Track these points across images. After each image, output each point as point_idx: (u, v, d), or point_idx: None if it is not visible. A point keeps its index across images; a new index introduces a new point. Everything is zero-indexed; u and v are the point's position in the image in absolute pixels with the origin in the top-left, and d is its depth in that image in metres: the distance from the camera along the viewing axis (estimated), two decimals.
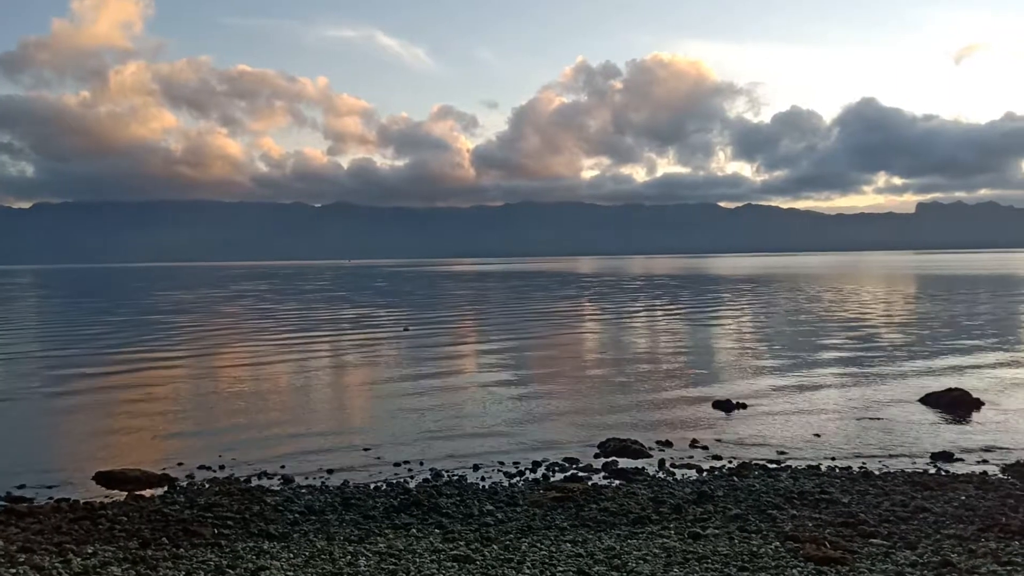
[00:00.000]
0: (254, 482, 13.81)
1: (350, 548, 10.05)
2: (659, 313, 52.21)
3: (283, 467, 14.76)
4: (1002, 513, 11.12)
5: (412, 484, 13.44)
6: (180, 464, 15.09)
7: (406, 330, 41.53)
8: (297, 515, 11.64)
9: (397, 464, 14.93)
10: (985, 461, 14.61)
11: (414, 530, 10.87)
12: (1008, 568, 8.90)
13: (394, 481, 13.67)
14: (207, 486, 13.48)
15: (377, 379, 25.76)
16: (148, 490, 13.40)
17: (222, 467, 14.89)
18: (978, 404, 19.36)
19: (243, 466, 14.91)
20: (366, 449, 16.08)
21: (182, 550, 10.06)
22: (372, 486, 13.36)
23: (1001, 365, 26.05)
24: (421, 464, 14.90)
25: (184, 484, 13.73)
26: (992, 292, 68.82)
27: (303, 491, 13.07)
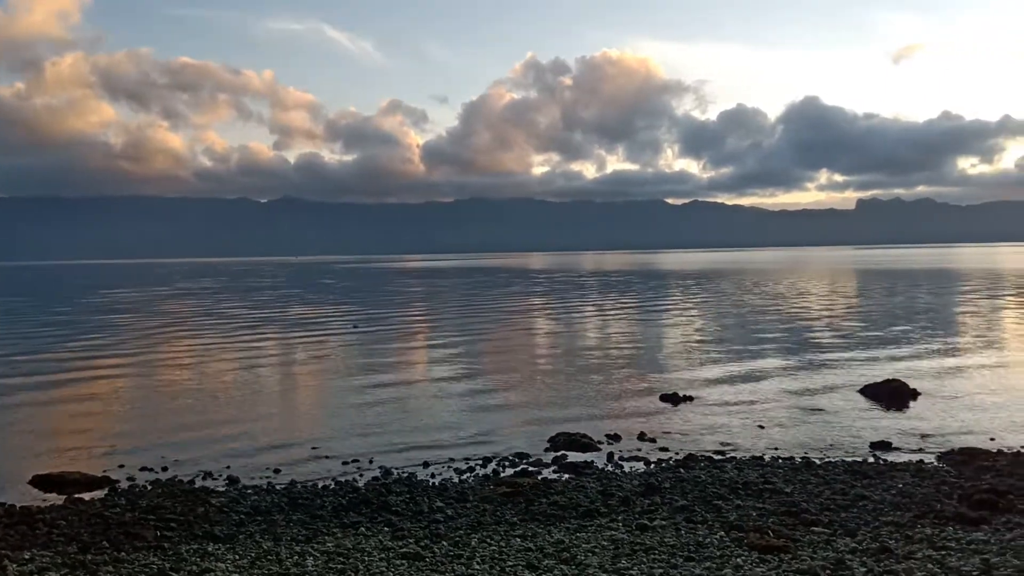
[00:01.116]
0: (198, 483, 13.54)
1: (297, 548, 9.93)
2: (609, 308, 52.69)
3: (228, 467, 14.50)
4: (937, 500, 11.50)
5: (361, 482, 13.33)
6: (121, 466, 14.72)
7: (355, 327, 41.16)
8: (243, 516, 11.45)
9: (346, 463, 14.79)
10: (921, 449, 15.10)
11: (363, 528, 10.79)
12: (942, 553, 9.21)
13: (343, 480, 13.54)
14: (149, 488, 13.18)
15: (326, 377, 25.49)
16: (88, 493, 13.03)
17: (165, 468, 14.57)
18: (915, 394, 20.01)
19: (187, 467, 14.61)
20: (314, 448, 15.90)
21: (123, 554, 9.83)
22: (320, 485, 13.21)
23: (936, 356, 26.93)
24: (371, 462, 14.79)
25: (125, 486, 13.39)
26: (928, 286, 71.15)
27: (249, 491, 12.86)
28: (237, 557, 9.64)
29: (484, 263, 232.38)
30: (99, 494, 12.94)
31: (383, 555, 9.57)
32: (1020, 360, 25.92)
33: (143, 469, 14.53)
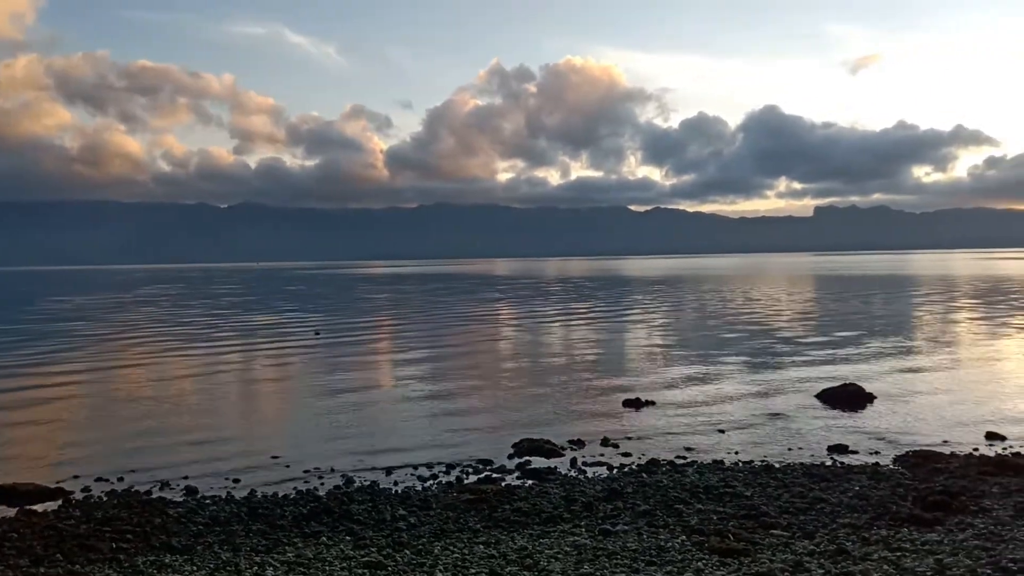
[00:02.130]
0: (155, 493, 13.30)
1: (257, 559, 9.80)
2: (573, 314, 52.89)
3: (186, 477, 14.27)
4: (893, 502, 11.73)
5: (322, 491, 13.19)
6: (76, 477, 14.40)
7: (317, 334, 40.77)
8: (201, 527, 11.27)
9: (307, 471, 14.64)
10: (878, 452, 15.40)
11: (324, 538, 10.69)
12: (897, 554, 9.40)
13: (304, 489, 13.38)
14: (105, 499, 12.91)
15: (286, 386, 25.21)
16: (41, 504, 12.71)
17: (121, 479, 14.28)
18: (871, 398, 20.40)
19: (144, 477, 14.35)
20: (274, 457, 15.70)
21: (78, 566, 9.61)
22: (281, 495, 13.04)
23: (892, 361, 27.49)
24: (332, 471, 14.65)
25: (80, 497, 13.11)
26: (883, 292, 72.63)
27: (207, 501, 12.67)
28: (195, 568, 9.48)
29: (448, 269, 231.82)
30: (52, 506, 12.64)
31: (345, 564, 9.49)
32: (972, 364, 26.57)
33: (98, 480, 14.23)
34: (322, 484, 13.76)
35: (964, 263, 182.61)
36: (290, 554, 9.95)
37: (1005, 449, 15.32)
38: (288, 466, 15.03)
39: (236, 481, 14.04)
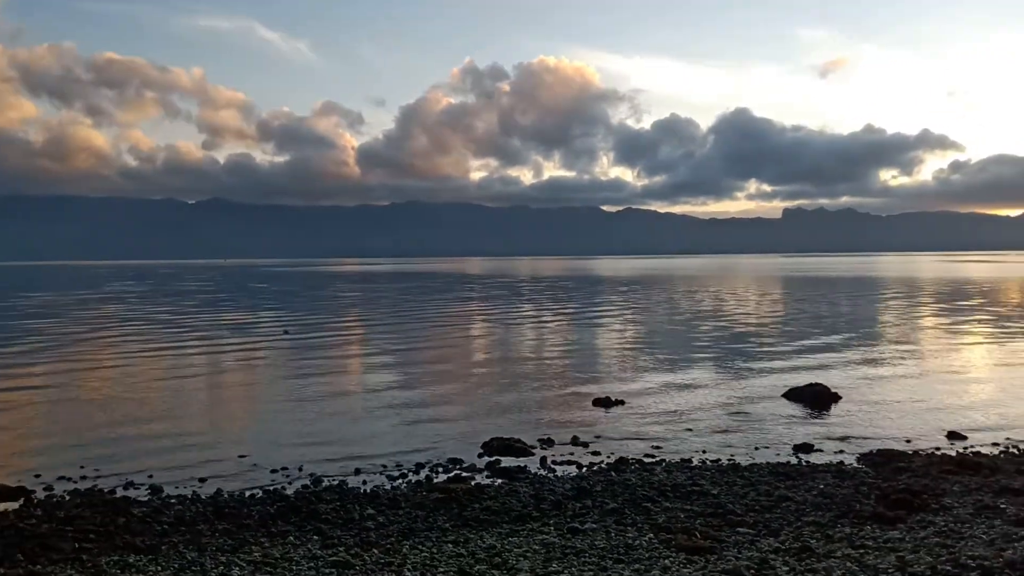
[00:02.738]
0: (119, 493, 13.11)
1: (223, 559, 9.70)
2: (544, 314, 53.01)
3: (151, 477, 14.08)
4: (856, 500, 11.93)
5: (290, 491, 13.09)
6: (38, 476, 14.15)
7: (286, 333, 40.42)
8: (166, 526, 11.13)
9: (274, 471, 14.51)
10: (842, 451, 15.64)
11: (291, 537, 10.61)
12: (860, 551, 9.55)
13: (271, 488, 13.27)
14: (67, 498, 12.70)
15: (255, 385, 24.96)
16: (1, 504, 12.45)
17: (84, 478, 14.07)
18: (836, 398, 20.70)
19: (108, 476, 14.14)
20: (242, 456, 15.54)
21: (39, 567, 9.45)
22: (247, 494, 12.93)
23: (857, 360, 27.92)
24: (300, 470, 14.55)
25: (42, 497, 12.88)
26: (849, 294, 73.72)
27: (173, 501, 12.51)
28: (160, 568, 9.37)
29: (420, 268, 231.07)
30: (13, 505, 12.39)
31: (312, 564, 9.43)
32: (935, 365, 27.06)
33: (61, 479, 14.00)
34: (290, 483, 13.66)
35: (928, 265, 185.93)
36: (256, 554, 9.87)
37: (966, 449, 15.62)
38: (255, 465, 14.90)
39: (202, 480, 13.88)
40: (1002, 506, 11.37)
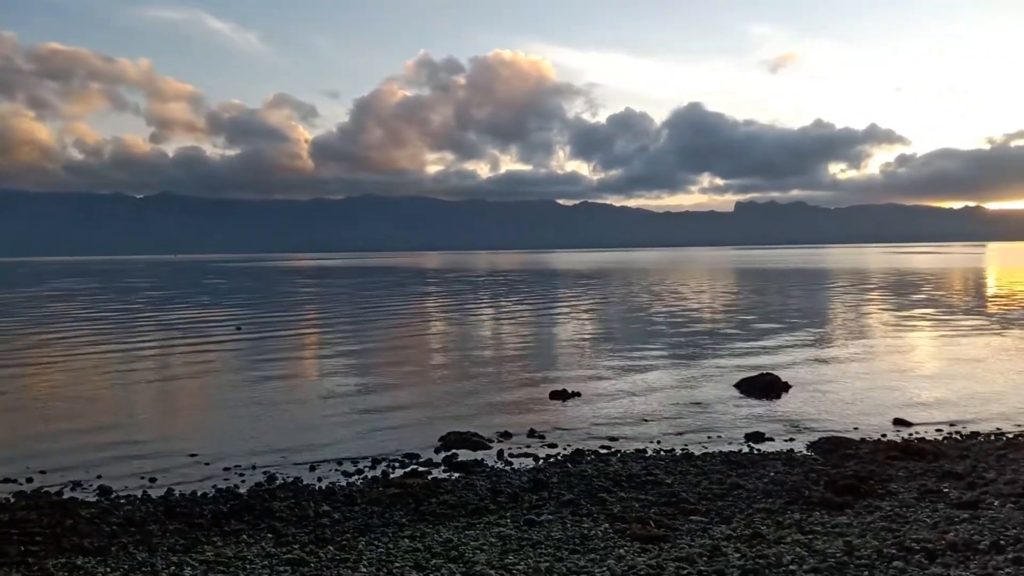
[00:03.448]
0: (67, 494, 12.79)
1: (174, 559, 9.54)
2: (502, 307, 53.07)
3: (99, 477, 13.77)
4: (806, 487, 12.19)
5: (243, 489, 12.92)
6: None
7: (239, 329, 39.81)
8: (115, 527, 10.90)
9: (227, 469, 14.30)
10: (792, 439, 15.97)
11: (245, 536, 10.47)
12: (810, 536, 9.77)
13: (223, 487, 13.07)
14: (13, 500, 12.34)
15: (206, 382, 24.55)
16: None
17: (30, 479, 13.70)
18: (787, 387, 21.13)
19: (54, 478, 13.78)
20: (193, 455, 15.28)
21: None
22: (199, 493, 12.72)
23: (807, 351, 28.51)
24: (253, 468, 14.36)
25: None
26: (800, 285, 75.22)
27: (122, 501, 12.26)
28: (109, 570, 9.17)
29: (376, 262, 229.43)
30: None
31: (266, 562, 9.32)
32: (881, 353, 27.76)
33: (6, 481, 13.61)
34: (243, 482, 13.48)
35: (875, 257, 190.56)
36: (209, 553, 9.72)
37: (911, 435, 16.07)
38: (207, 464, 14.66)
39: (153, 480, 13.63)
40: (945, 490, 11.73)
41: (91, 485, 13.31)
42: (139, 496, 12.56)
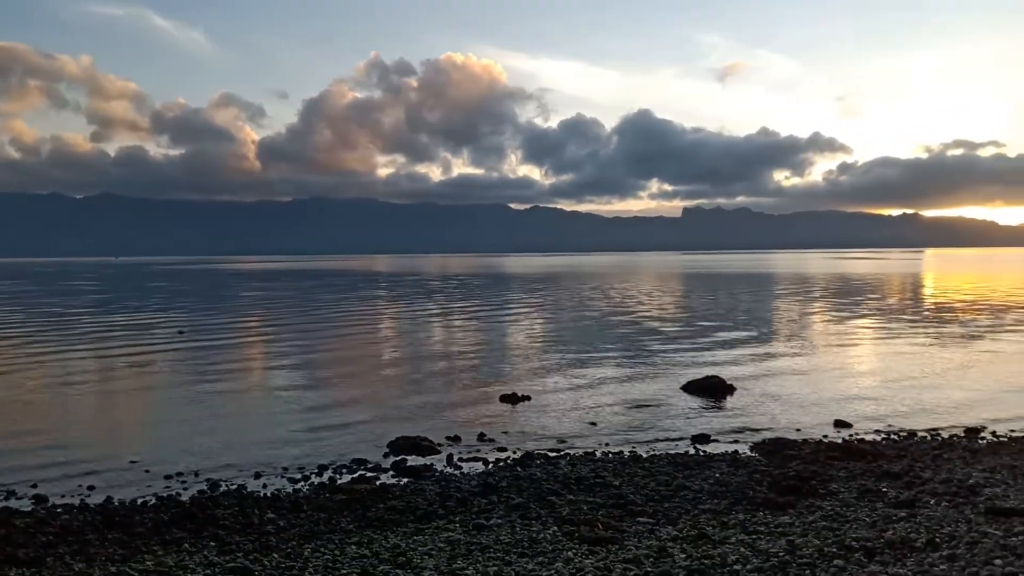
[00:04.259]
0: (0, 504, 12.35)
1: (113, 569, 9.27)
2: (453, 312, 52.91)
3: (35, 486, 13.31)
4: (750, 487, 12.41)
5: (185, 496, 12.63)
6: None
7: (181, 334, 38.94)
8: (51, 537, 10.55)
9: (169, 476, 13.96)
10: (737, 441, 16.25)
11: (187, 545, 10.23)
12: (753, 537, 9.94)
13: (165, 495, 12.76)
14: None
15: (148, 388, 23.92)
16: None
17: None
18: (731, 389, 21.51)
19: None
20: (133, 462, 14.88)
21: None
22: (140, 501, 12.39)
23: (752, 354, 29.07)
24: (196, 475, 14.05)
25: None
26: (745, 290, 76.63)
27: (59, 511, 11.87)
28: None
29: (325, 266, 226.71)
30: None
31: (208, 571, 9.12)
32: (823, 357, 28.44)
33: None
34: (185, 489, 13.17)
35: (818, 263, 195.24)
36: (149, 562, 9.47)
37: (851, 436, 16.49)
38: (148, 471, 14.30)
39: (91, 488, 13.23)
40: (883, 490, 12.05)
41: (26, 494, 12.86)
42: (76, 505, 12.18)
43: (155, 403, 21.43)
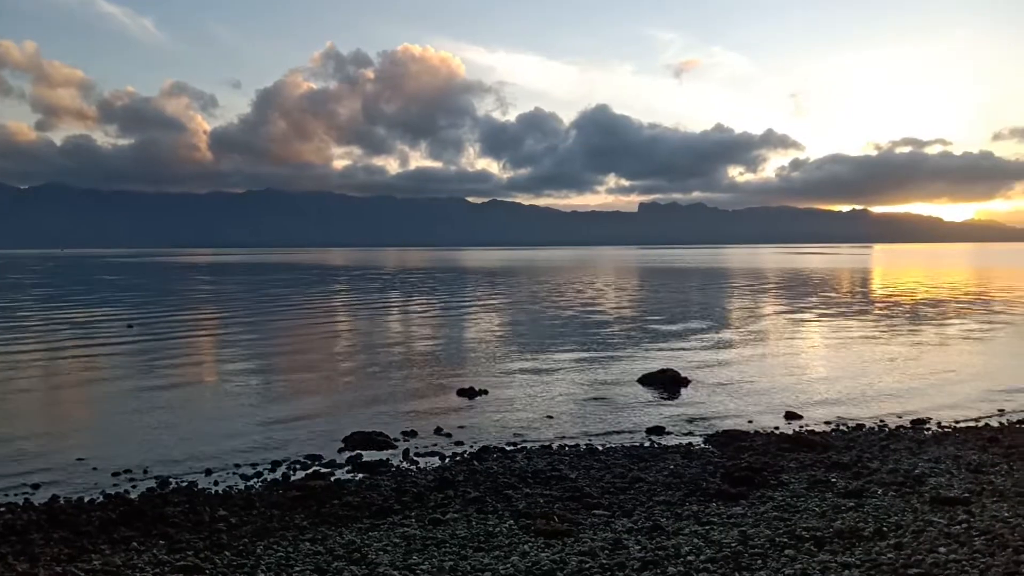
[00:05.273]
0: None
1: (58, 569, 9.01)
2: (410, 306, 52.62)
3: None
4: (703, 479, 12.56)
5: (134, 494, 12.34)
6: None
7: (130, 328, 38.06)
8: None
9: (117, 474, 13.64)
10: (691, 433, 16.45)
11: (135, 543, 10.00)
12: (707, 527, 10.07)
13: (113, 493, 12.45)
14: None
15: (96, 384, 23.34)
16: None
17: None
18: (686, 382, 21.77)
19: None
20: (80, 459, 14.51)
21: None
22: (87, 499, 12.08)
23: (706, 347, 29.45)
24: (145, 472, 13.74)
25: None
26: (699, 284, 77.63)
27: (1, 510, 11.50)
28: None
29: (279, 259, 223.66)
30: None
31: (157, 570, 8.92)
32: (775, 349, 28.93)
33: None
34: (134, 487, 12.87)
35: (770, 257, 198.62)
36: (96, 562, 9.23)
37: (801, 427, 16.80)
38: (96, 469, 13.95)
39: (35, 487, 12.86)
40: (833, 480, 12.30)
41: None
42: (20, 504, 11.82)
43: (103, 399, 20.91)
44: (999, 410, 18.40)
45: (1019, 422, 16.97)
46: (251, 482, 13.19)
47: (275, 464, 14.24)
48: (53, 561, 9.34)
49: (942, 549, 8.83)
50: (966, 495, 11.01)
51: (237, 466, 14.15)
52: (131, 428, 17.18)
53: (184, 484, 12.95)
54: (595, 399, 19.90)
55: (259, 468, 14.03)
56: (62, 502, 11.94)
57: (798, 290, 64.22)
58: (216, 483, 13.10)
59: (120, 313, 47.49)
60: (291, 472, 13.77)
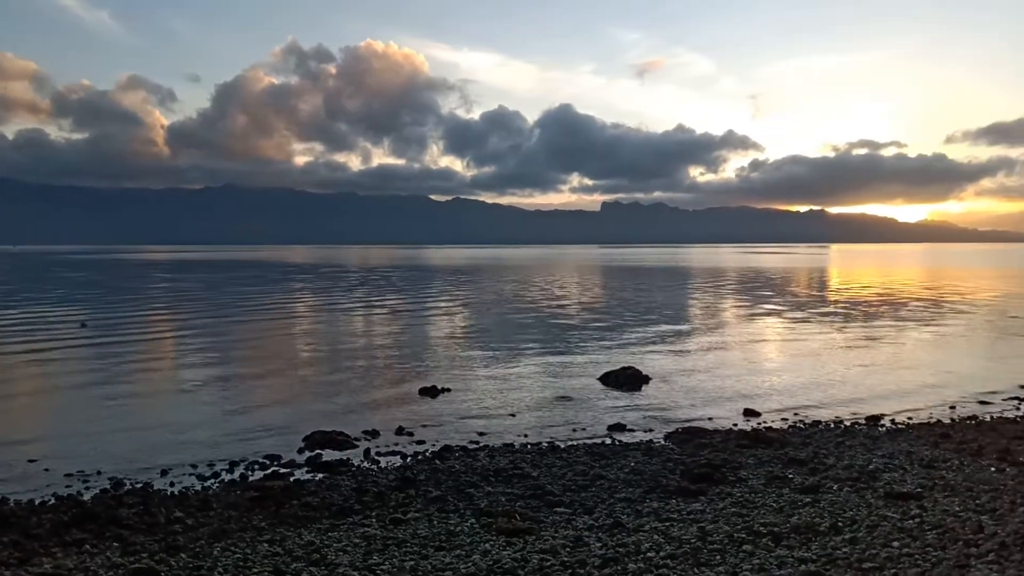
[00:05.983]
0: None
1: (7, 573, 8.79)
2: (372, 304, 52.25)
3: None
4: (663, 476, 12.67)
5: (87, 496, 12.07)
6: None
7: (84, 326, 37.24)
8: None
9: (69, 475, 13.32)
10: (651, 430, 16.58)
11: (88, 546, 9.78)
12: (667, 524, 10.16)
13: (64, 494, 12.17)
14: None
15: (47, 383, 22.80)
16: None
17: None
18: (647, 379, 21.95)
19: None
20: (31, 461, 14.14)
21: None
22: (38, 501, 11.78)
23: (666, 345, 29.71)
24: (98, 473, 13.44)
25: None
26: (660, 282, 78.34)
27: None
28: None
29: (238, 256, 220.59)
30: None
31: (111, 573, 8.73)
32: (734, 347, 29.29)
33: None
34: (87, 488, 12.59)
35: (730, 257, 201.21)
36: (47, 565, 9.01)
37: (759, 424, 17.04)
38: (47, 470, 13.61)
39: None
40: (790, 476, 12.49)
41: None
42: None
43: (55, 399, 20.42)
44: (951, 407, 18.86)
45: (969, 418, 17.42)
46: (208, 483, 12.99)
47: (233, 464, 14.04)
48: (2, 565, 9.10)
49: (896, 543, 9.02)
50: (919, 490, 11.26)
51: (194, 467, 13.92)
52: (84, 429, 16.79)
53: (139, 485, 12.69)
54: (557, 397, 19.96)
55: (216, 468, 13.81)
56: (12, 504, 11.63)
57: (757, 289, 65.14)
58: (172, 484, 12.87)
59: (73, 312, 46.42)
60: (249, 472, 13.59)
